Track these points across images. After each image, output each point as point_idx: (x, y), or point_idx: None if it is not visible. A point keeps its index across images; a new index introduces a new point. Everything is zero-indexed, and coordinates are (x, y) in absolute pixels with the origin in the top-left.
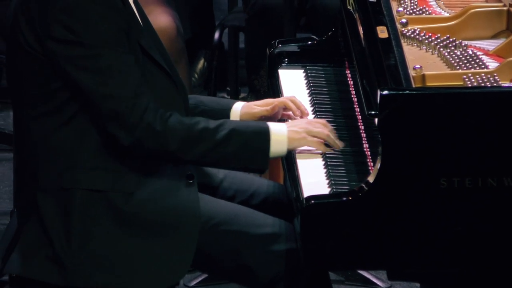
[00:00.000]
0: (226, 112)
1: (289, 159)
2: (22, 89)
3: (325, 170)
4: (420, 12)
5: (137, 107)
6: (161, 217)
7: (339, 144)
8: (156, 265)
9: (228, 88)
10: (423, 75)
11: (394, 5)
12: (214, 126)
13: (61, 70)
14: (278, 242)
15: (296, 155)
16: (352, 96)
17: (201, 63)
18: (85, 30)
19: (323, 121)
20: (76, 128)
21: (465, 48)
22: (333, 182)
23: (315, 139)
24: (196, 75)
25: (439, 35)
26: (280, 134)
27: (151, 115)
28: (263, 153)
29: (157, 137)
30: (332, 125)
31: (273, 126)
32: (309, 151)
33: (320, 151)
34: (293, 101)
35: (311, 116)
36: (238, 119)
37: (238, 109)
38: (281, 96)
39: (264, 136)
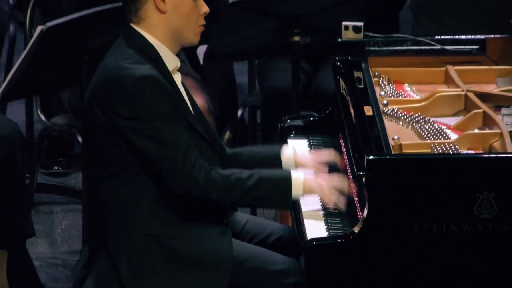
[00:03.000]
0: (275, 158)
1: (295, 208)
2: (95, 155)
3: (324, 217)
4: (398, 95)
5: (187, 164)
6: (203, 257)
7: (342, 207)
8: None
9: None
10: (400, 144)
11: (377, 89)
12: (246, 176)
13: (126, 140)
14: (288, 276)
15: (301, 205)
16: (345, 160)
17: (227, 135)
18: (143, 108)
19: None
20: (137, 186)
21: (432, 123)
22: (330, 227)
23: (325, 194)
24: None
25: (412, 113)
26: (298, 181)
27: (197, 170)
28: (286, 196)
29: (201, 187)
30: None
31: (294, 174)
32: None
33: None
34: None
35: None
36: (292, 161)
37: (290, 153)
38: None
39: (286, 183)
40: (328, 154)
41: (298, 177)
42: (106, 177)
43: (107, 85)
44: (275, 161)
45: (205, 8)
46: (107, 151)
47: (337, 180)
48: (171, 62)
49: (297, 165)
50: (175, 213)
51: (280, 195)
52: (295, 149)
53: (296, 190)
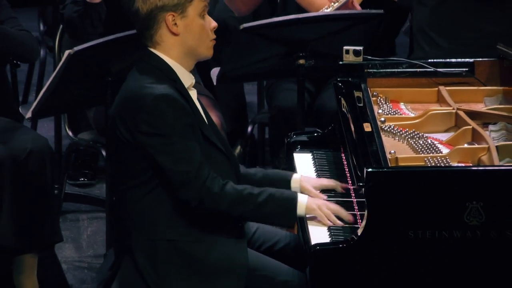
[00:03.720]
0: (286, 183)
1: (301, 217)
2: (119, 169)
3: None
4: (394, 113)
5: (200, 177)
6: (219, 262)
7: (349, 219)
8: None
9: (257, 167)
10: (396, 158)
11: (375, 108)
12: (257, 192)
13: (146, 154)
14: (292, 285)
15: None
16: (346, 172)
17: (238, 149)
18: (162, 125)
19: (335, 207)
20: (156, 196)
21: (425, 138)
22: (332, 233)
23: (322, 214)
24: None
25: (407, 129)
26: (302, 202)
27: (210, 182)
28: (291, 214)
29: (213, 199)
30: (332, 193)
31: (299, 196)
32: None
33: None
34: (336, 185)
35: None
36: (299, 185)
37: (297, 179)
38: (296, 171)
39: (293, 202)
40: (329, 181)
41: (302, 198)
42: (128, 188)
43: (129, 104)
44: (285, 185)
45: (214, 24)
46: (129, 164)
47: (334, 205)
48: (187, 79)
49: (302, 190)
50: (192, 221)
51: (286, 213)
52: (302, 176)
53: (300, 210)
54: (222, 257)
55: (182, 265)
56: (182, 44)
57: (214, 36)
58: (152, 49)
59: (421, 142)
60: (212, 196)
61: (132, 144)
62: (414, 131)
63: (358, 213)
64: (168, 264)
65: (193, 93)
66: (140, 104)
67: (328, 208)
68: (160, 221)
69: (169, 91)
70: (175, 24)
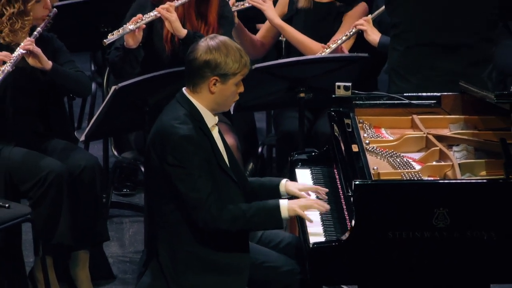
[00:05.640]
0: (276, 188)
1: (302, 222)
2: (151, 186)
3: (322, 227)
4: (376, 137)
5: (207, 203)
6: (227, 259)
7: (323, 209)
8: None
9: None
10: (379, 173)
11: (361, 132)
12: (246, 209)
13: (170, 181)
14: (296, 274)
15: (306, 221)
16: (338, 184)
17: (250, 166)
18: (183, 160)
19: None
20: (177, 214)
21: (402, 157)
22: (327, 234)
23: (302, 213)
24: (247, 173)
25: (387, 150)
26: (283, 207)
27: (213, 208)
28: (277, 220)
29: (214, 221)
30: (326, 200)
31: (281, 202)
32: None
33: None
34: (317, 188)
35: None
36: (284, 189)
37: (283, 184)
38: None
39: (277, 209)
40: (311, 186)
41: (283, 203)
42: (158, 204)
43: (160, 138)
44: (275, 189)
45: (242, 89)
46: (158, 185)
47: (305, 201)
48: (211, 120)
49: (288, 193)
50: (205, 236)
51: (273, 219)
52: (287, 181)
53: (283, 213)
54: (230, 255)
55: (197, 268)
56: (213, 100)
57: (238, 98)
58: (187, 92)
59: (398, 160)
60: (214, 220)
61: (161, 170)
62: (392, 151)
63: (347, 216)
64: (185, 268)
65: (215, 132)
66: (169, 140)
67: (305, 205)
68: (180, 234)
69: (192, 132)
70: (215, 85)
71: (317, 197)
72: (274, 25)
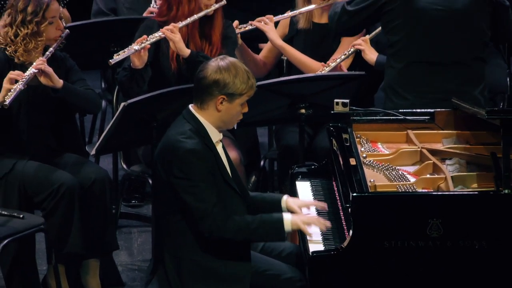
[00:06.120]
0: (277, 203)
1: (302, 232)
2: (158, 198)
3: (321, 237)
4: (373, 150)
5: (212, 214)
6: (228, 267)
7: (323, 227)
8: None
9: (268, 192)
10: (375, 185)
11: (359, 147)
12: (251, 220)
13: (176, 193)
14: (296, 282)
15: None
16: (336, 196)
17: (253, 178)
18: (189, 172)
19: (315, 218)
20: (183, 224)
21: (397, 170)
22: (326, 243)
23: (304, 227)
24: (250, 185)
25: (383, 163)
26: (287, 221)
27: (219, 218)
28: (280, 232)
29: (219, 230)
30: (325, 212)
31: (285, 216)
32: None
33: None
34: (316, 204)
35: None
36: (285, 205)
37: (284, 200)
38: (298, 197)
39: (281, 222)
40: (310, 202)
41: (287, 217)
42: (164, 214)
43: (166, 152)
44: (277, 204)
45: (246, 109)
46: (165, 196)
47: (308, 217)
48: (215, 136)
49: (289, 209)
50: (209, 245)
51: (277, 231)
52: (288, 198)
53: (287, 226)
54: (231, 264)
55: (201, 276)
56: (219, 118)
57: (242, 117)
58: (194, 109)
59: (394, 173)
60: (219, 229)
61: (168, 182)
62: (388, 165)
63: (345, 227)
64: (190, 275)
65: (219, 146)
66: (175, 154)
67: (308, 221)
68: (185, 243)
69: (198, 146)
70: (222, 103)
71: (317, 211)
72: (276, 46)
